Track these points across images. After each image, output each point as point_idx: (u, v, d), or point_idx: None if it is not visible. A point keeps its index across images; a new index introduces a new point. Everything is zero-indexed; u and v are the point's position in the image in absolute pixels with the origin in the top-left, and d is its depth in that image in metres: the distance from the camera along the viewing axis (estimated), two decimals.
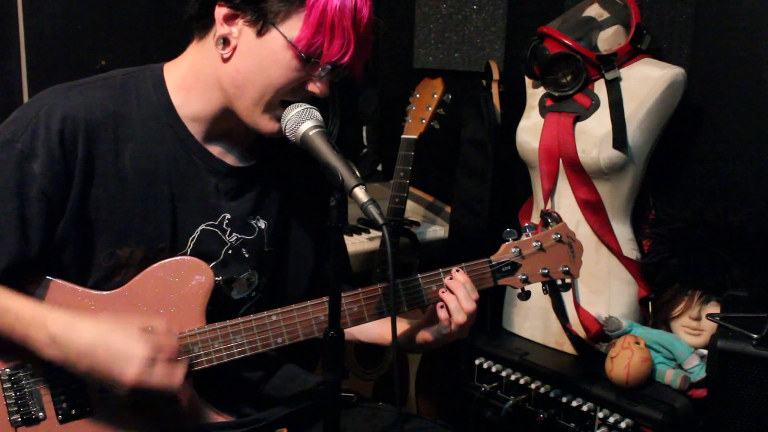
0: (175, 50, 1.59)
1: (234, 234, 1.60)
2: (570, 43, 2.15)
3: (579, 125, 2.18)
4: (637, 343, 1.99)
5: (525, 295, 1.63)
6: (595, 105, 2.17)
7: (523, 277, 1.60)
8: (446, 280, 1.55)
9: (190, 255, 1.55)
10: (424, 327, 1.61)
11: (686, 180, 2.33)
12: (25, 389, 1.47)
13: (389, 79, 3.30)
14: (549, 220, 1.63)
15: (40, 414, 1.47)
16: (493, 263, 1.59)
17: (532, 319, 2.34)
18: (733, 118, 2.21)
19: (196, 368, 1.50)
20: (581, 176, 2.18)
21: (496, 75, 2.69)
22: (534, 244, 1.60)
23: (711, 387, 1.81)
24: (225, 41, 1.46)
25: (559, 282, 1.64)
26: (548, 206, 2.25)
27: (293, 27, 1.41)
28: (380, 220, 1.29)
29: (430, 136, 2.56)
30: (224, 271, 1.60)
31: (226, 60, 1.47)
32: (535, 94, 2.35)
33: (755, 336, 1.70)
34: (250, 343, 1.50)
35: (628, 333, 2.08)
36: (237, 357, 1.50)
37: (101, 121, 1.47)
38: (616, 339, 2.06)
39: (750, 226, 2.05)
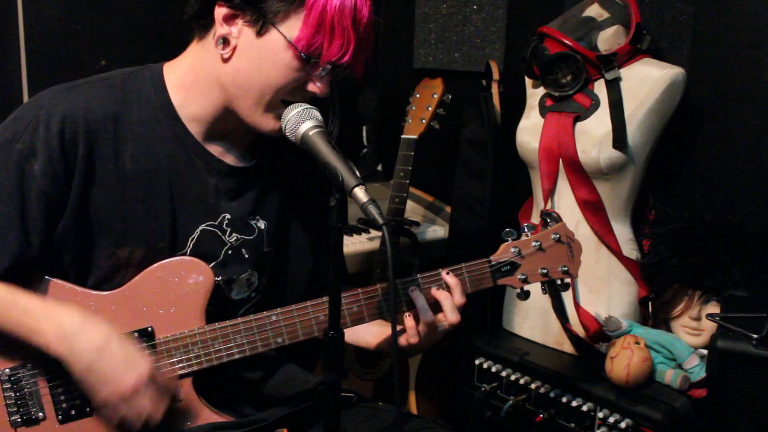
0: (175, 50, 1.59)
1: (234, 234, 1.60)
2: (570, 43, 2.15)
3: (579, 125, 2.17)
4: (637, 343, 1.99)
5: (524, 295, 1.63)
6: (595, 105, 2.17)
7: (523, 276, 1.60)
8: (443, 275, 1.55)
9: (190, 255, 1.55)
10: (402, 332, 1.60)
11: (686, 180, 2.33)
12: (25, 389, 1.47)
13: (389, 79, 3.30)
14: (548, 220, 1.63)
15: (40, 414, 1.47)
16: (493, 263, 1.59)
17: (532, 319, 2.34)
18: (733, 118, 2.20)
19: (196, 368, 1.50)
20: (581, 176, 2.18)
21: (496, 75, 2.69)
22: (533, 243, 1.60)
23: (711, 387, 1.81)
24: (225, 41, 1.46)
25: (558, 282, 1.64)
26: (548, 206, 2.25)
27: (293, 27, 1.41)
28: (380, 220, 1.29)
29: (430, 136, 2.56)
30: (224, 272, 1.60)
31: (225, 60, 1.47)
32: (535, 94, 2.35)
33: (755, 336, 1.70)
34: (250, 343, 1.50)
35: (628, 333, 2.08)
36: (237, 357, 1.50)
37: (101, 122, 1.47)
38: (616, 339, 2.06)
39: (750, 226, 2.05)
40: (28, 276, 1.47)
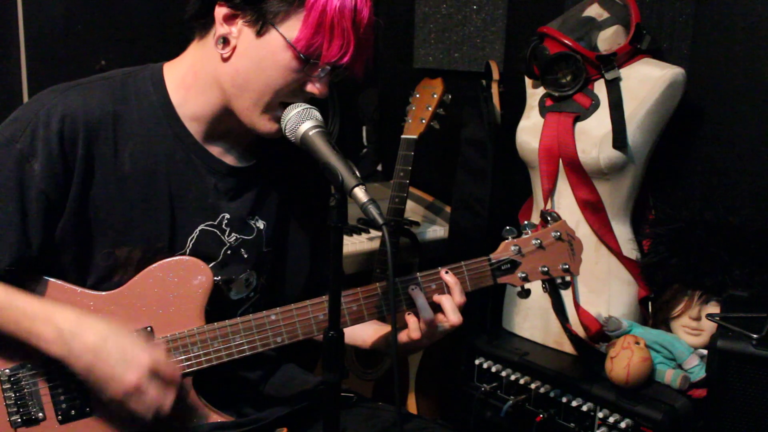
0: (175, 50, 1.59)
1: (233, 234, 1.60)
2: (570, 43, 2.15)
3: (579, 125, 2.18)
4: (637, 343, 1.99)
5: (525, 293, 1.63)
6: (595, 105, 2.17)
7: (523, 275, 1.60)
8: (441, 274, 1.55)
9: (189, 255, 1.55)
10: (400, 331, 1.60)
11: (686, 180, 2.33)
12: (25, 390, 1.46)
13: (389, 79, 3.30)
14: (549, 219, 1.63)
15: (40, 414, 1.47)
16: (493, 261, 1.59)
17: (532, 319, 2.34)
18: (733, 118, 2.20)
19: (196, 368, 1.50)
20: (581, 176, 2.18)
21: (496, 75, 2.69)
22: (534, 242, 1.60)
23: (711, 387, 1.81)
24: (225, 41, 1.46)
25: (559, 280, 1.64)
26: (548, 206, 2.25)
27: (292, 27, 1.41)
28: (380, 220, 1.29)
29: (430, 136, 2.56)
30: (223, 272, 1.60)
31: (225, 60, 1.47)
32: (535, 94, 2.35)
33: (755, 336, 1.70)
34: (249, 342, 1.50)
35: (628, 333, 2.08)
36: (236, 357, 1.50)
37: (101, 121, 1.47)
38: (616, 339, 2.06)
39: (750, 226, 2.05)
40: (27, 276, 1.47)
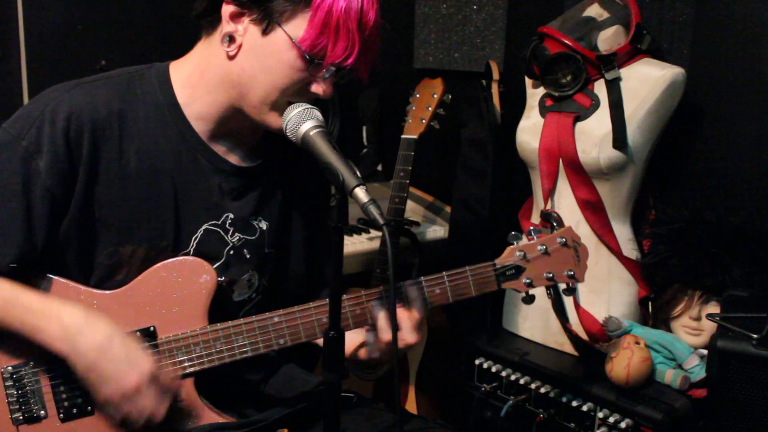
0: (175, 50, 1.59)
1: (236, 234, 1.60)
2: (570, 43, 2.16)
3: (579, 125, 2.18)
4: (637, 343, 1.99)
5: (529, 299, 1.61)
6: (595, 105, 2.17)
7: (528, 280, 1.58)
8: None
9: (193, 254, 1.55)
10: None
11: (686, 180, 2.33)
12: (27, 387, 1.47)
13: (389, 79, 3.30)
14: (550, 220, 1.63)
15: (42, 412, 1.47)
16: (498, 266, 1.58)
17: (532, 319, 2.34)
18: (733, 118, 2.21)
19: (198, 368, 1.50)
20: (581, 176, 2.18)
21: (496, 75, 2.69)
22: (539, 247, 1.58)
23: (711, 387, 1.81)
24: (231, 39, 1.46)
25: (563, 286, 1.63)
26: (548, 206, 2.25)
27: (298, 27, 1.41)
28: (380, 220, 1.29)
29: (430, 136, 2.56)
30: (226, 272, 1.60)
31: (231, 58, 1.47)
32: (535, 94, 2.35)
33: (755, 336, 1.70)
34: (252, 344, 1.50)
35: (628, 333, 2.08)
36: (239, 358, 1.51)
37: (106, 119, 1.47)
38: (616, 339, 2.06)
39: (750, 226, 2.05)
40: (32, 273, 1.47)
